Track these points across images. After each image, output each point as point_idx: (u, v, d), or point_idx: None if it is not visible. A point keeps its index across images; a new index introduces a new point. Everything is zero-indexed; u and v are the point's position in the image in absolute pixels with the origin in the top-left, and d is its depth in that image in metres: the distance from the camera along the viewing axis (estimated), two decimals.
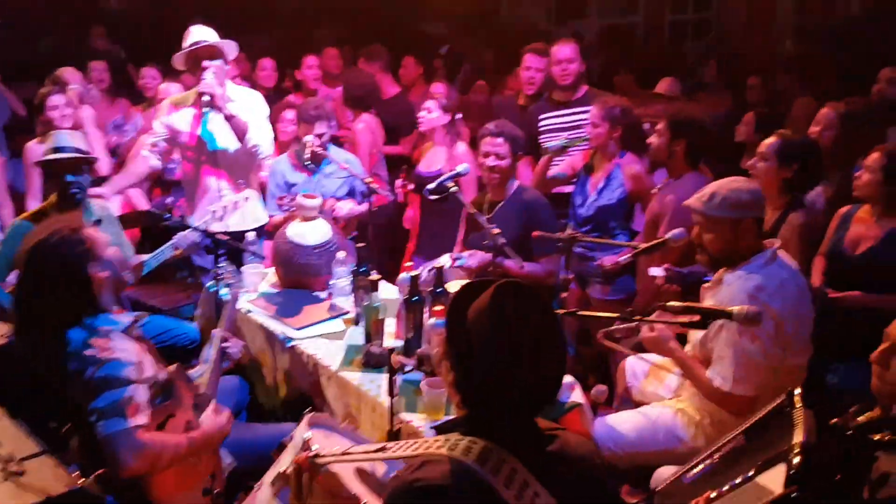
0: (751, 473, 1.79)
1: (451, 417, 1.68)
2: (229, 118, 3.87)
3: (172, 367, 2.56)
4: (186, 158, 4.14)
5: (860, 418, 1.91)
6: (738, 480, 1.80)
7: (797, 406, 1.90)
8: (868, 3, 7.31)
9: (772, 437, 1.91)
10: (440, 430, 1.62)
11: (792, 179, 3.27)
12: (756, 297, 2.47)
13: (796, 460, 1.70)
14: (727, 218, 2.59)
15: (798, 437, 1.77)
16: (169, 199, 4.65)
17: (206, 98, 3.76)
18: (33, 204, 4.32)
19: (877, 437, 1.84)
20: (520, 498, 1.43)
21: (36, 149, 4.42)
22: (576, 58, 4.47)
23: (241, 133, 3.94)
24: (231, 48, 4.01)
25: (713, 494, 1.82)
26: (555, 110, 4.55)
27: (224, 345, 2.78)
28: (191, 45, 3.86)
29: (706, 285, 2.75)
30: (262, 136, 4.04)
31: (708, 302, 2.67)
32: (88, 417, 2.23)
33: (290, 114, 4.90)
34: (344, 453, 1.78)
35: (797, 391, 1.96)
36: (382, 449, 1.67)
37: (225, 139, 4.02)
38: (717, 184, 2.66)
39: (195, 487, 2.42)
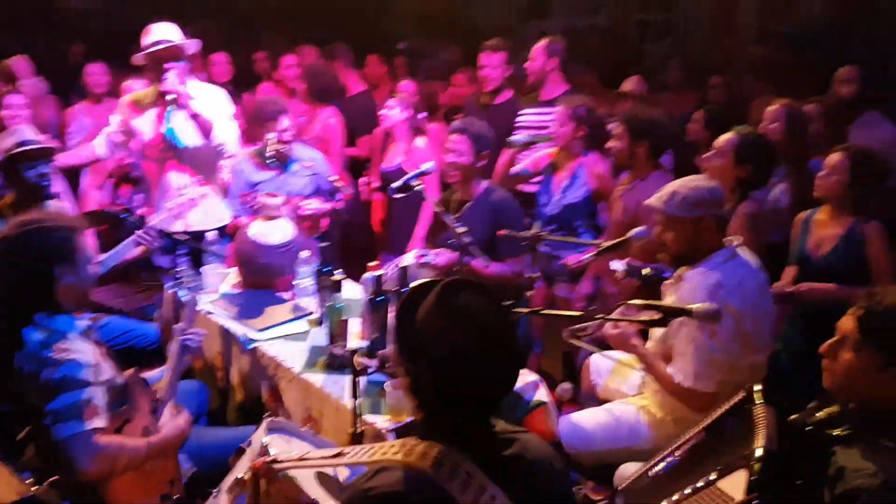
0: (712, 477, 1.78)
1: (410, 420, 1.67)
2: (194, 116, 3.83)
3: (130, 372, 2.51)
4: (148, 157, 4.08)
5: (819, 414, 1.92)
6: (699, 484, 1.79)
7: (757, 403, 1.90)
8: (829, 6, 7.44)
9: (733, 436, 1.92)
10: (399, 433, 1.61)
11: (746, 178, 3.31)
12: (716, 294, 2.48)
13: (757, 467, 1.69)
14: (687, 217, 2.61)
15: (759, 441, 1.75)
16: (137, 196, 4.55)
17: (170, 97, 3.72)
18: None
19: (835, 433, 1.85)
20: (476, 502, 1.41)
21: None
22: (538, 56, 4.51)
23: (206, 131, 3.90)
24: (192, 46, 3.96)
25: (675, 497, 1.82)
26: (534, 107, 4.57)
27: (183, 337, 2.73)
28: (153, 45, 3.79)
29: (667, 282, 2.77)
30: (227, 133, 4.00)
31: (669, 299, 2.69)
32: (44, 420, 2.18)
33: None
34: (301, 458, 1.74)
35: (757, 387, 1.97)
36: (339, 454, 1.64)
37: (188, 137, 3.96)
38: (677, 183, 2.68)
39: (153, 493, 2.39)
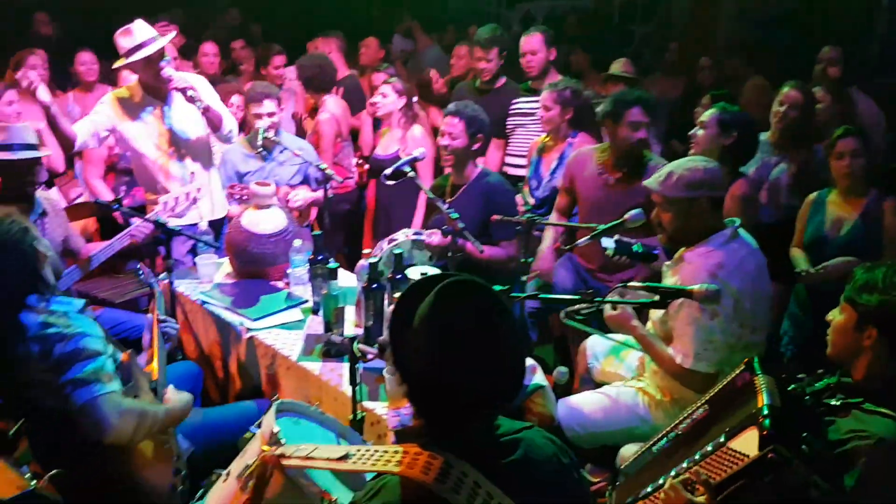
0: (721, 439, 1.80)
1: (410, 417, 1.61)
2: (207, 110, 3.76)
3: (126, 353, 2.51)
4: (143, 155, 3.91)
5: (817, 385, 1.97)
6: (709, 448, 1.81)
7: (758, 373, 1.93)
8: None
9: (736, 405, 1.93)
10: (400, 437, 1.54)
11: (731, 147, 3.36)
12: (716, 275, 2.51)
13: (767, 422, 1.71)
14: (683, 197, 2.62)
15: (763, 399, 1.79)
16: (122, 188, 4.47)
17: (190, 93, 3.67)
18: None
19: (831, 402, 1.91)
20: None
21: None
22: (540, 49, 4.53)
23: (217, 122, 3.85)
24: (167, 39, 3.90)
25: (685, 464, 1.83)
26: (526, 95, 4.60)
27: (161, 325, 2.73)
28: (140, 48, 3.67)
29: (667, 263, 2.79)
30: (232, 121, 3.97)
31: (669, 280, 2.70)
32: (62, 391, 2.17)
33: (236, 98, 4.75)
34: (307, 457, 1.72)
35: (756, 360, 2.00)
36: (345, 457, 1.59)
37: (189, 129, 3.91)
38: (675, 164, 2.70)
39: (169, 466, 2.43)
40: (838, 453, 1.79)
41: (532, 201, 3.69)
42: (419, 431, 1.51)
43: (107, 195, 4.43)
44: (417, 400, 1.49)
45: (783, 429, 1.71)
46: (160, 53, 3.73)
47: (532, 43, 4.56)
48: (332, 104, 5.02)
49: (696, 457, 1.82)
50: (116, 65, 3.84)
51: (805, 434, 1.74)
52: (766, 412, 1.74)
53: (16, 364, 2.22)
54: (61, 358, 2.18)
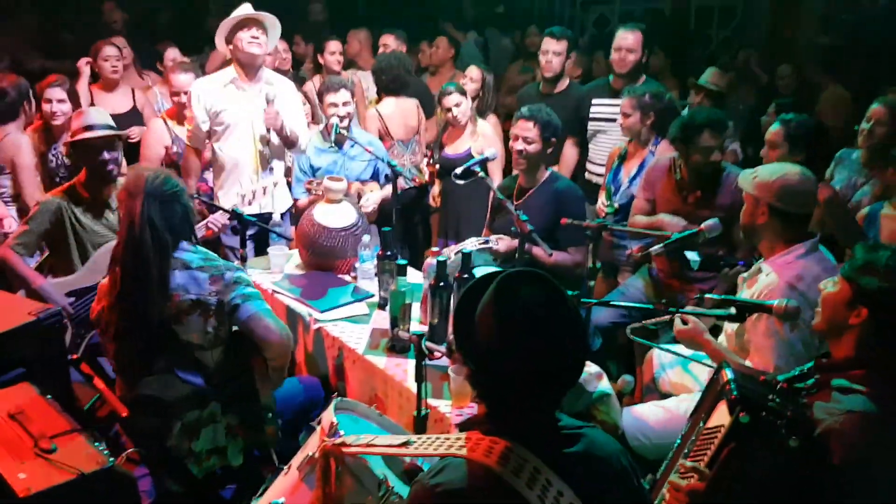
0: (701, 424, 1.90)
1: (474, 414, 1.66)
2: (283, 134, 3.89)
3: None
4: (222, 140, 4.02)
5: (793, 371, 2.02)
6: (693, 437, 1.92)
7: (724, 367, 1.98)
8: None
9: (709, 398, 2.04)
10: (462, 427, 1.59)
11: (804, 162, 3.23)
12: (795, 287, 2.44)
13: (731, 387, 1.82)
14: (772, 202, 2.57)
15: (727, 375, 1.87)
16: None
17: (266, 91, 3.80)
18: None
19: (802, 385, 1.95)
20: (543, 499, 1.40)
21: None
22: (637, 48, 4.39)
23: (291, 143, 3.97)
24: (273, 29, 3.96)
25: (680, 460, 1.91)
26: (611, 98, 4.46)
27: None
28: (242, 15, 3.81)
29: (744, 275, 2.72)
30: (303, 133, 4.07)
31: (745, 293, 2.64)
32: (230, 304, 2.52)
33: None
34: (368, 444, 1.77)
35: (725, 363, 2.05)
36: (406, 444, 1.66)
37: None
38: (773, 167, 2.67)
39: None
40: (816, 436, 1.80)
41: (616, 206, 3.60)
42: (481, 419, 1.57)
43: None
44: (479, 383, 1.55)
45: (750, 394, 1.81)
46: (257, 24, 3.83)
47: (630, 40, 4.38)
48: (388, 104, 4.93)
49: (686, 451, 1.92)
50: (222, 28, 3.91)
51: (772, 396, 1.80)
52: (730, 384, 1.84)
53: (172, 294, 2.48)
54: (231, 280, 2.54)
